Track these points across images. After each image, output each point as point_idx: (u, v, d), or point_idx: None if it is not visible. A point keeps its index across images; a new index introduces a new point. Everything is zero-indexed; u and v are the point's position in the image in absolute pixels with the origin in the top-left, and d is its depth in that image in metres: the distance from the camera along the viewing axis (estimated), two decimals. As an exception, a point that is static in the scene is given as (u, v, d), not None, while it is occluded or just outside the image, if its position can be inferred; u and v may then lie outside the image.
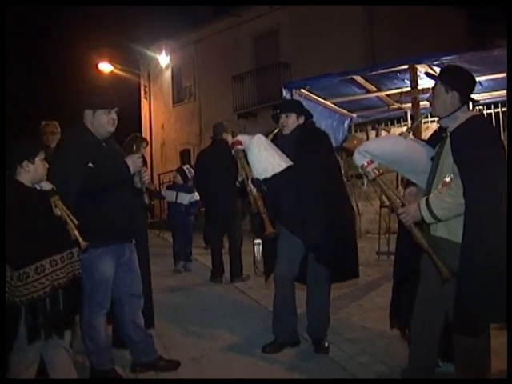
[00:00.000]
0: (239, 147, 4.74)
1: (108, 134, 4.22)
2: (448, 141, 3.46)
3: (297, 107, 5.14)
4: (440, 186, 3.45)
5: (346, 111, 11.36)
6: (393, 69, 8.91)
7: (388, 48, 16.23)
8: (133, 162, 4.19)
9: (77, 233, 3.56)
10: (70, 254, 3.67)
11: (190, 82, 24.20)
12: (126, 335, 4.50)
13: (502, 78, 8.77)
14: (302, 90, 9.76)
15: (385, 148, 3.77)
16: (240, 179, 4.75)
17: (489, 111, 11.28)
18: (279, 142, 4.97)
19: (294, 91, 9.66)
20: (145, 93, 26.32)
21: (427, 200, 3.40)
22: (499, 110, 11.27)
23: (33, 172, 3.65)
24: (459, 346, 3.53)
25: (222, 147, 7.77)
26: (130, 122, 25.17)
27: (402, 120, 11.83)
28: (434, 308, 3.63)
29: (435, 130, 3.87)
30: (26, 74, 29.12)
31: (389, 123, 11.88)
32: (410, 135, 3.77)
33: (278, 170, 4.63)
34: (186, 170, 9.34)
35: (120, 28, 24.67)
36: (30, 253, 3.47)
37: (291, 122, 4.97)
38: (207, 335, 5.45)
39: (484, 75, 8.92)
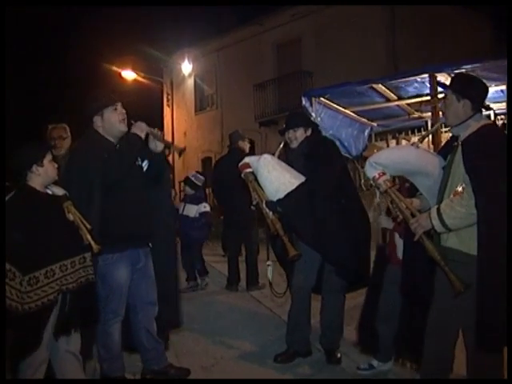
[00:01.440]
0: (248, 170, 4.71)
1: (121, 133, 4.21)
2: (459, 150, 3.40)
3: (303, 120, 5.13)
4: (452, 195, 3.38)
5: (366, 120, 11.28)
6: (413, 77, 8.85)
7: (410, 57, 16.18)
8: (136, 127, 4.18)
9: (89, 237, 3.58)
10: (83, 258, 3.68)
11: (213, 90, 24.31)
12: (138, 342, 4.50)
13: None
14: (322, 99, 9.72)
15: (395, 159, 3.71)
16: (254, 203, 4.71)
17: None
18: (288, 154, 4.98)
19: (313, 100, 9.61)
20: (167, 100, 26.51)
21: (438, 209, 3.35)
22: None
23: (43, 175, 3.68)
24: (474, 361, 3.45)
25: (238, 155, 7.76)
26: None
27: (422, 129, 11.73)
28: (449, 321, 3.55)
29: (448, 139, 3.83)
30: (49, 83, 29.42)
31: (409, 132, 11.77)
32: (421, 145, 3.72)
33: (290, 188, 4.59)
34: (192, 178, 8.57)
35: (143, 36, 24.91)
36: (41, 257, 3.48)
37: (299, 135, 4.95)
38: (219, 343, 5.45)
39: (505, 83, 8.80)
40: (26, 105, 28.61)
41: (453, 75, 7.92)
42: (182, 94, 26.00)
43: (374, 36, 17.62)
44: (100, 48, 27.22)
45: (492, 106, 10.10)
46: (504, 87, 8.91)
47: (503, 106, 10.03)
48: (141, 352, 4.57)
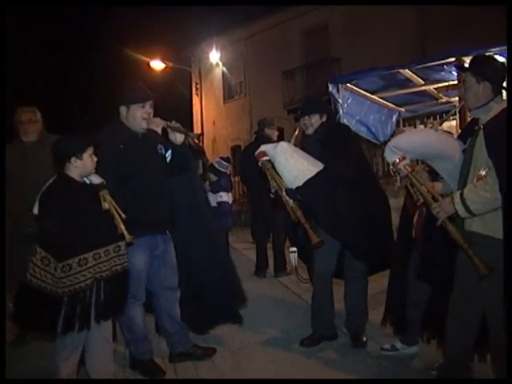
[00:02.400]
0: (265, 158, 4.71)
1: (142, 130, 4.31)
2: (481, 133, 3.39)
3: (319, 107, 5.12)
4: (475, 179, 3.37)
5: (394, 105, 11.20)
6: (440, 62, 8.73)
7: (440, 44, 15.93)
8: (152, 122, 4.28)
9: (123, 226, 3.67)
10: (117, 247, 3.76)
11: (241, 79, 24.30)
12: (162, 326, 4.65)
13: None
14: (349, 85, 9.67)
15: (415, 143, 3.69)
16: (273, 190, 4.72)
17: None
18: (303, 141, 5.03)
19: (340, 86, 9.56)
20: (196, 89, 26.57)
21: (461, 194, 3.34)
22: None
23: (81, 167, 3.77)
24: (500, 344, 3.41)
25: (265, 142, 7.81)
26: (182, 118, 25.53)
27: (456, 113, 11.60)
28: (471, 304, 3.55)
29: (468, 122, 3.80)
30: (78, 73, 29.76)
31: (437, 117, 11.65)
32: (448, 128, 3.71)
33: (309, 176, 4.60)
34: (216, 164, 8.24)
35: (171, 26, 24.97)
36: (74, 246, 3.57)
37: (315, 121, 4.97)
38: (247, 328, 5.48)
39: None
40: (55, 94, 28.97)
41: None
42: (210, 82, 26.05)
43: (403, 22, 17.41)
44: (128, 38, 27.41)
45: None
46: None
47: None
48: (166, 336, 4.71)
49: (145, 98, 4.33)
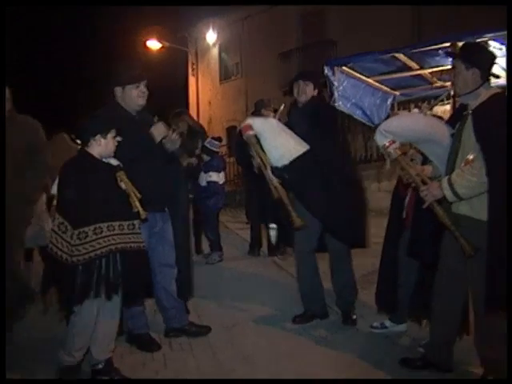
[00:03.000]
0: (251, 133, 4.64)
1: (139, 107, 4.40)
2: (470, 118, 3.48)
3: (314, 78, 5.13)
4: (463, 164, 3.46)
5: (388, 89, 11.25)
6: (434, 46, 8.79)
7: (436, 26, 15.92)
8: (155, 128, 4.33)
9: (138, 204, 3.80)
10: (132, 225, 3.87)
11: (237, 60, 24.33)
12: (159, 302, 4.75)
13: None
14: (344, 68, 9.73)
15: (405, 126, 3.78)
16: (256, 166, 4.68)
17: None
18: (292, 115, 5.05)
19: (336, 68, 9.63)
20: (192, 70, 26.54)
21: (449, 179, 3.44)
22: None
23: (103, 146, 3.89)
24: (482, 322, 3.57)
25: (261, 124, 7.89)
26: (177, 98, 25.59)
27: (445, 98, 11.68)
28: (456, 283, 3.69)
29: (456, 107, 3.90)
30: (76, 54, 29.68)
31: (432, 101, 11.73)
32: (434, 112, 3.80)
33: (296, 155, 4.62)
34: (208, 145, 7.97)
35: (168, 5, 24.79)
36: (90, 214, 3.70)
37: (309, 90, 4.97)
38: (241, 306, 5.62)
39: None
40: (51, 77, 28.95)
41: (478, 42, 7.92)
42: (206, 63, 26.03)
43: (399, 5, 17.40)
44: (125, 17, 27.28)
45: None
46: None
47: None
48: (161, 312, 4.81)
49: (139, 77, 4.38)
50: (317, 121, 4.80)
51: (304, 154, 4.64)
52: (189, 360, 4.36)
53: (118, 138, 3.99)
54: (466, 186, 3.38)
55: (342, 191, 4.75)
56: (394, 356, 4.24)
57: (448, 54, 4.02)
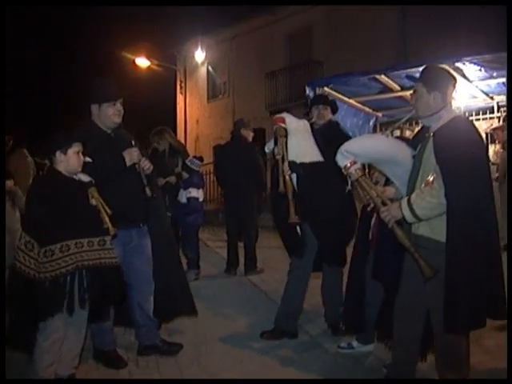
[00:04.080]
0: (282, 125, 4.88)
1: (115, 124, 4.43)
2: (431, 140, 3.52)
3: (330, 103, 5.43)
4: (423, 185, 3.50)
5: (371, 110, 11.33)
6: (415, 68, 8.87)
7: (421, 46, 16.03)
8: (128, 153, 4.33)
9: (107, 220, 3.85)
10: (102, 241, 3.89)
11: (225, 78, 24.38)
12: (132, 317, 4.70)
13: None
14: (326, 89, 9.77)
15: (366, 147, 3.81)
16: (278, 157, 4.87)
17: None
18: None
19: (317, 89, 9.68)
20: (181, 88, 26.60)
21: (409, 199, 3.47)
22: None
23: (65, 162, 3.92)
24: (442, 343, 3.59)
25: (240, 143, 7.99)
26: (165, 116, 25.63)
27: (414, 122, 11.76)
28: (416, 305, 3.69)
29: (419, 130, 3.95)
30: (63, 70, 29.71)
31: (413, 123, 11.82)
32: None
33: (316, 159, 4.84)
34: (188, 163, 7.96)
35: (157, 24, 25.00)
36: (56, 232, 3.73)
37: (327, 114, 5.26)
38: (212, 323, 5.62)
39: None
40: (38, 92, 28.97)
41: (456, 65, 8.02)
42: (194, 81, 26.10)
43: (385, 26, 17.57)
44: (114, 35, 27.42)
45: (495, 97, 10.18)
46: (505, 79, 8.93)
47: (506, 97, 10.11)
48: (134, 327, 4.80)
49: (115, 96, 4.41)
50: (331, 142, 4.89)
51: (323, 162, 4.82)
52: (154, 377, 4.36)
53: (88, 159, 4.05)
54: (425, 206, 3.40)
55: (341, 209, 4.92)
56: (358, 376, 4.27)
57: (409, 78, 4.07)
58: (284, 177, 4.78)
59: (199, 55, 23.95)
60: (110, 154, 4.29)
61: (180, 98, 26.92)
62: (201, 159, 8.28)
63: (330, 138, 4.92)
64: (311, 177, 4.84)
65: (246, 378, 4.25)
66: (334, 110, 5.44)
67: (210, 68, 24.91)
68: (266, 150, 5.23)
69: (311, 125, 5.25)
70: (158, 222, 4.80)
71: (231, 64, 23.63)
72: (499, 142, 9.37)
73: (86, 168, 4.06)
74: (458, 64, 8.18)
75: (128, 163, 4.32)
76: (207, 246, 10.61)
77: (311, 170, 4.83)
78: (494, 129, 9.56)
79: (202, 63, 24.78)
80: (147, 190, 4.37)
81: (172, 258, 4.94)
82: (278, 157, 4.85)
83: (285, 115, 5.01)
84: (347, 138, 5.25)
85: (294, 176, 4.90)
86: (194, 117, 26.11)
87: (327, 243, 5.03)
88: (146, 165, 4.41)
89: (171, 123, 23.96)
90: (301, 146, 4.88)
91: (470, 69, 8.15)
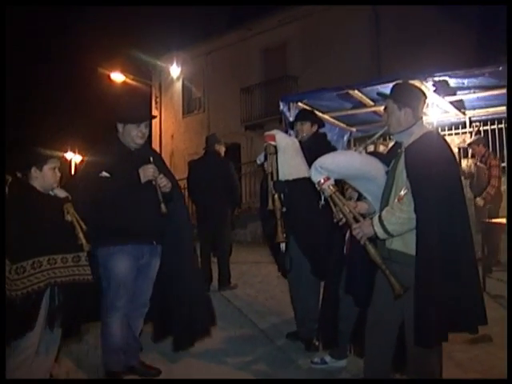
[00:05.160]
0: (272, 143, 4.93)
1: (137, 145, 4.41)
2: (403, 156, 3.54)
3: (310, 116, 5.61)
4: (396, 200, 3.51)
5: (345, 125, 11.40)
6: (387, 84, 8.93)
7: (395, 63, 16.24)
8: (143, 170, 4.28)
9: (82, 236, 3.80)
10: (77, 257, 3.84)
11: (200, 94, 24.42)
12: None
13: (497, 94, 8.68)
14: (300, 104, 9.82)
15: (340, 163, 3.82)
16: (268, 172, 4.92)
17: (485, 128, 11.36)
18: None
19: (291, 104, 9.72)
20: (156, 103, 26.56)
21: (380, 216, 3.49)
22: (495, 126, 11.36)
23: (40, 179, 3.89)
24: (415, 357, 3.57)
25: (214, 158, 7.99)
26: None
27: (387, 137, 11.84)
28: (387, 321, 3.69)
29: (392, 145, 3.98)
30: (39, 85, 29.56)
31: (387, 138, 11.90)
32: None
33: (302, 175, 4.84)
34: None
35: (132, 39, 24.99)
36: (28, 249, 3.66)
37: (306, 129, 5.39)
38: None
39: (479, 91, 8.92)
40: (13, 106, 28.72)
41: (426, 83, 8.12)
42: (170, 96, 26.13)
43: (359, 42, 17.75)
44: (89, 50, 27.37)
45: (467, 112, 10.32)
46: (478, 95, 9.05)
47: (479, 112, 10.24)
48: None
49: (140, 119, 4.41)
50: (317, 156, 4.93)
51: (307, 179, 4.75)
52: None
53: (106, 174, 4.13)
54: (395, 222, 3.42)
55: (327, 223, 4.84)
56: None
57: (379, 95, 4.10)
58: (273, 194, 4.82)
59: (174, 70, 23.94)
60: (127, 170, 4.26)
61: (155, 113, 26.80)
62: None
63: (315, 151, 4.90)
64: (296, 193, 4.88)
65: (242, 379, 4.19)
66: (317, 122, 5.57)
67: (185, 83, 24.91)
68: (258, 161, 5.29)
69: (299, 141, 5.31)
70: (177, 238, 4.66)
71: (206, 79, 23.68)
72: (475, 157, 9.53)
73: (102, 183, 4.12)
74: (430, 79, 8.26)
75: (142, 180, 4.27)
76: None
77: (296, 186, 4.87)
78: (470, 144, 9.69)
79: (178, 78, 24.78)
80: (162, 207, 4.29)
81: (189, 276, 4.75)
82: (267, 173, 4.93)
83: (275, 132, 5.04)
84: (334, 149, 5.34)
85: (281, 194, 4.91)
86: (169, 132, 26.08)
87: (313, 258, 5.05)
88: (163, 182, 4.35)
89: (146, 139, 23.88)
90: (289, 164, 4.94)
91: (442, 84, 8.22)
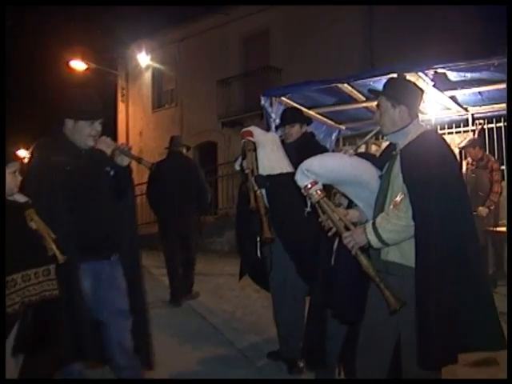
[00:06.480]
0: (250, 139, 5.05)
1: (86, 146, 4.23)
2: (398, 158, 3.56)
3: (299, 117, 5.64)
4: (391, 206, 3.52)
5: (333, 123, 11.39)
6: (380, 77, 8.91)
7: (390, 52, 16.18)
8: (101, 142, 4.18)
9: (54, 246, 3.67)
10: (47, 270, 3.73)
11: (172, 86, 24.41)
12: (112, 359, 4.47)
13: (504, 88, 8.51)
14: (284, 99, 9.79)
15: (329, 167, 3.81)
16: (247, 171, 5.03)
17: (490, 126, 11.37)
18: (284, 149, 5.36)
19: (273, 99, 9.69)
20: (122, 95, 26.43)
21: (374, 223, 3.49)
22: (502, 124, 11.29)
23: None
24: (412, 378, 3.59)
25: (179, 160, 8.06)
26: (105, 126, 25.23)
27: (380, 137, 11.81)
28: (382, 340, 3.69)
29: (385, 147, 3.98)
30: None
31: (380, 137, 11.93)
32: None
33: (285, 170, 4.98)
34: None
35: (97, 23, 24.82)
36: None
37: (295, 131, 5.43)
38: (159, 358, 5.51)
39: (483, 85, 8.94)
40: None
41: (426, 74, 8.14)
42: (138, 88, 26.04)
43: (350, 30, 17.86)
44: (48, 34, 27.14)
45: (470, 109, 10.35)
46: (482, 89, 9.09)
47: (482, 109, 10.28)
48: (115, 371, 4.55)
49: (96, 115, 4.26)
50: (308, 156, 4.95)
51: (291, 173, 4.78)
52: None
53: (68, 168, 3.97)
54: (391, 230, 3.42)
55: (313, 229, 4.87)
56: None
57: (371, 92, 4.11)
58: (255, 192, 4.91)
59: (143, 59, 23.81)
60: (80, 175, 4.13)
61: (121, 107, 26.72)
62: None
63: (305, 151, 4.89)
64: (280, 189, 4.97)
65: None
66: (306, 122, 5.64)
67: (155, 74, 24.84)
68: (236, 167, 5.34)
69: (282, 141, 5.40)
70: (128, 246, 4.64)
71: (179, 69, 23.61)
72: (471, 161, 9.40)
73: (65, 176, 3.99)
74: (428, 72, 8.27)
75: (107, 150, 4.19)
76: (150, 274, 10.53)
77: (279, 182, 4.95)
78: (464, 147, 9.50)
79: (147, 68, 24.69)
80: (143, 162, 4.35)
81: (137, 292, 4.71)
82: (248, 171, 5.00)
83: (252, 128, 5.19)
84: (324, 150, 5.38)
85: (264, 191, 5.02)
86: (137, 128, 25.98)
87: (300, 257, 5.08)
88: (125, 147, 4.34)
89: (111, 135, 23.56)
90: (269, 158, 5.06)
91: (442, 77, 8.23)
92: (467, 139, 9.77)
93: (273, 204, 5.00)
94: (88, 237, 4.07)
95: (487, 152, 10.04)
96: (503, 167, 9.97)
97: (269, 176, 4.98)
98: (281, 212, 5.06)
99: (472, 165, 9.32)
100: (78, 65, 23.38)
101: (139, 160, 4.39)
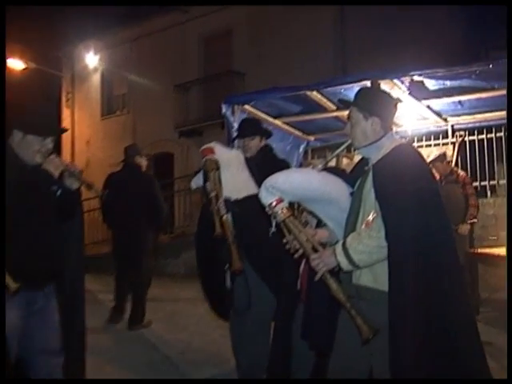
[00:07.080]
0: (212, 157, 5.00)
1: (34, 163, 4.15)
2: (370, 174, 3.59)
3: (260, 129, 5.63)
4: (363, 226, 3.56)
5: (301, 133, 11.40)
6: (352, 84, 8.96)
7: (363, 57, 16.24)
8: (49, 162, 4.13)
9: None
10: None
11: (124, 90, 24.35)
12: None
13: (486, 97, 8.76)
14: (247, 107, 9.77)
15: (295, 183, 3.83)
16: (212, 194, 4.95)
17: (471, 138, 11.53)
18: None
19: (236, 107, 9.67)
20: (67, 100, 26.23)
21: (344, 243, 3.51)
22: (484, 136, 11.44)
23: None
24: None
25: (134, 173, 8.05)
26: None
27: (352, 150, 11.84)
28: (353, 369, 3.71)
29: (357, 162, 4.02)
30: None
31: (352, 149, 11.98)
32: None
33: (252, 192, 4.84)
34: None
35: (39, 19, 24.59)
36: None
37: (254, 145, 5.41)
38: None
39: (464, 94, 9.00)
40: None
41: (400, 83, 8.25)
42: (85, 92, 25.88)
43: (321, 33, 17.99)
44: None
45: (450, 119, 10.45)
46: (463, 98, 9.18)
47: (463, 120, 10.37)
48: None
49: (49, 132, 4.17)
50: (268, 173, 4.97)
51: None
52: None
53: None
54: (363, 250, 3.45)
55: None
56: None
57: (341, 102, 4.17)
58: (221, 217, 4.87)
59: (91, 60, 23.68)
60: (24, 194, 4.09)
61: (66, 113, 26.49)
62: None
63: (266, 166, 4.96)
64: (248, 213, 4.93)
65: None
66: (266, 134, 5.64)
67: (104, 76, 24.73)
68: (193, 185, 5.35)
69: (246, 158, 5.40)
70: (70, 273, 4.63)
71: (132, 72, 23.44)
72: (438, 177, 9.37)
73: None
74: (404, 79, 8.34)
75: (55, 173, 4.16)
76: (97, 300, 10.46)
77: (247, 205, 4.93)
78: (432, 161, 9.51)
79: (95, 70, 24.57)
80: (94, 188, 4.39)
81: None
82: (213, 194, 4.94)
83: (213, 145, 5.14)
84: (286, 164, 5.41)
85: (230, 215, 5.01)
86: (84, 137, 25.80)
87: (271, 277, 5.10)
88: (75, 169, 4.32)
89: (54, 144, 23.48)
90: (235, 179, 5.05)
91: (419, 85, 8.30)
92: (434, 153, 9.91)
93: (241, 229, 4.99)
94: (21, 264, 3.98)
95: (468, 167, 10.12)
96: (503, 181, 10.03)
97: (236, 201, 4.99)
98: (252, 237, 5.05)
99: (441, 181, 9.38)
100: (16, 64, 22.87)
101: (90, 186, 4.37)
